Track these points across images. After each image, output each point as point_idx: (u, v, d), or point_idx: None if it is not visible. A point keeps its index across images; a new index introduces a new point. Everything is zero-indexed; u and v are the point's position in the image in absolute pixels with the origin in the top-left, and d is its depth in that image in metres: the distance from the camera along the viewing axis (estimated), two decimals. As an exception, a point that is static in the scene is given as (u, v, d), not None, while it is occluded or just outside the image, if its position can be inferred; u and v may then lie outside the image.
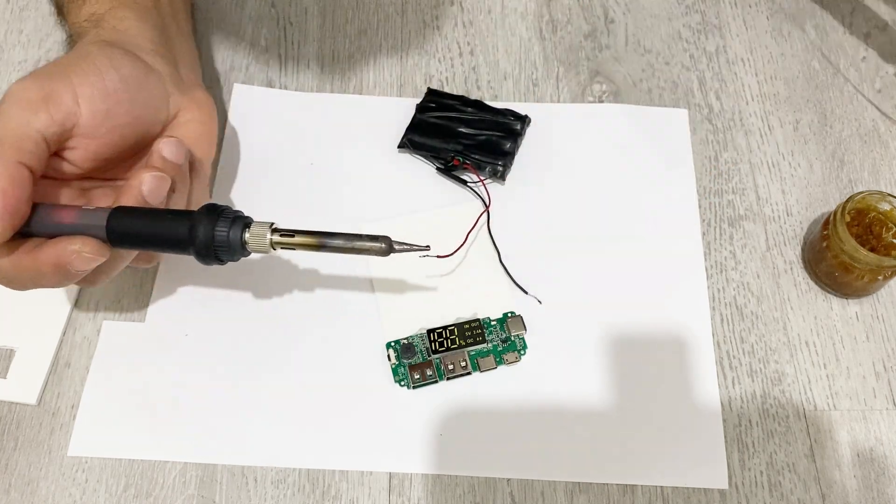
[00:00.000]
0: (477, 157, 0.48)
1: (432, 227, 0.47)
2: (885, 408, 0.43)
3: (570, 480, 0.41)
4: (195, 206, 0.40)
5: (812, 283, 0.47)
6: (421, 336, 0.44)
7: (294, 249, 0.36)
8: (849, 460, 0.42)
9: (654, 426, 0.42)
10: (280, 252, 0.39)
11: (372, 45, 0.54)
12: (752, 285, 0.47)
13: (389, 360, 0.43)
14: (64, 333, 0.44)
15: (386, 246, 0.35)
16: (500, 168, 0.48)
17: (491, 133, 0.49)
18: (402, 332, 0.44)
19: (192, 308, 0.45)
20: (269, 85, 0.53)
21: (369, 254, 0.36)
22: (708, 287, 0.46)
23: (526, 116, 0.50)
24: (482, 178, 0.48)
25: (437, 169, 0.49)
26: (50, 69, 0.37)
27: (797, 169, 0.50)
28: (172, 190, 0.37)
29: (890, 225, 0.45)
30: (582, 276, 0.46)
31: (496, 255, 0.46)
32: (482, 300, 0.45)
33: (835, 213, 0.44)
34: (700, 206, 0.49)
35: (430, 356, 0.43)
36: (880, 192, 0.44)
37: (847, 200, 0.44)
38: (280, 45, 0.54)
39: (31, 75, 0.36)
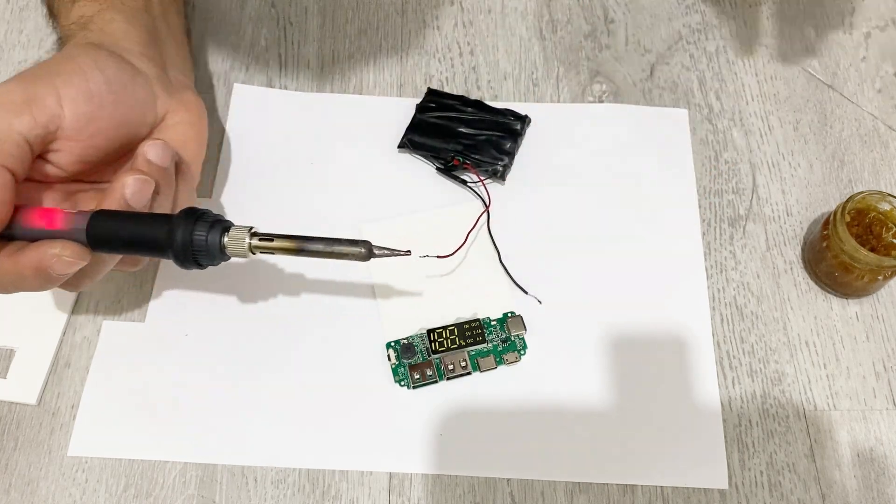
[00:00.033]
0: (477, 157, 0.48)
1: (432, 227, 0.47)
2: (885, 408, 0.43)
3: (570, 480, 0.41)
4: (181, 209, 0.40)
5: (812, 283, 0.47)
6: (421, 336, 0.44)
7: (273, 254, 0.36)
8: (849, 460, 0.42)
9: (654, 426, 0.42)
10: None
11: (372, 45, 0.54)
12: (752, 285, 0.47)
13: (389, 360, 0.43)
14: (64, 333, 0.44)
15: (365, 251, 0.35)
16: (500, 168, 0.48)
17: (491, 133, 0.49)
18: (402, 332, 0.44)
19: (192, 308, 0.45)
20: (269, 85, 0.53)
21: (349, 258, 0.35)
22: (708, 287, 0.46)
23: (526, 116, 0.50)
24: (482, 178, 0.48)
25: (437, 169, 0.49)
26: (34, 72, 0.37)
27: (797, 169, 0.51)
28: (157, 193, 0.37)
29: (890, 225, 0.45)
30: (582, 276, 0.46)
31: (496, 255, 0.46)
32: (482, 300, 0.45)
33: (835, 213, 0.44)
34: (700, 206, 0.49)
35: (430, 356, 0.43)
36: (880, 192, 0.44)
37: (847, 200, 0.44)
38: (280, 45, 0.54)
39: (15, 78, 0.36)
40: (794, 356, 0.45)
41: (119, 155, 0.40)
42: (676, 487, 0.41)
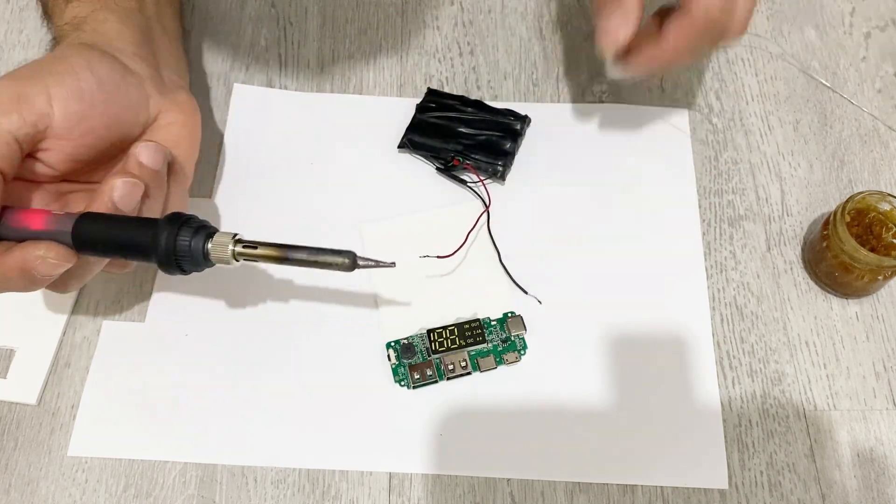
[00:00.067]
0: (477, 157, 0.48)
1: (432, 227, 0.47)
2: (885, 408, 0.43)
3: (570, 480, 0.41)
4: (173, 210, 0.40)
5: (812, 283, 0.47)
6: (421, 336, 0.44)
7: (257, 262, 0.36)
8: (849, 460, 0.42)
9: (654, 426, 0.42)
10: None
11: (372, 45, 0.54)
12: (752, 285, 0.47)
13: (389, 360, 0.43)
14: (64, 333, 0.44)
15: (349, 261, 0.35)
16: (500, 168, 0.48)
17: (491, 133, 0.49)
18: (402, 332, 0.44)
19: (192, 308, 0.45)
20: (269, 85, 0.53)
21: (333, 268, 0.35)
22: (708, 287, 0.46)
23: (526, 116, 0.50)
24: (482, 178, 0.48)
25: (437, 169, 0.49)
26: (24, 71, 0.37)
27: (797, 169, 0.51)
28: (147, 196, 0.37)
29: (890, 225, 0.45)
30: (582, 276, 0.46)
31: (496, 255, 0.46)
32: (482, 300, 0.45)
33: (835, 213, 0.44)
34: (700, 206, 0.49)
35: (430, 356, 0.43)
36: (880, 192, 0.44)
37: (847, 200, 0.44)
38: (280, 45, 0.54)
39: (5, 77, 0.36)
40: (794, 356, 0.45)
41: (111, 155, 0.40)
42: (676, 487, 0.41)
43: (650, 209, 0.48)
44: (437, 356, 0.43)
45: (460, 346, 0.43)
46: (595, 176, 0.49)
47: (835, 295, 0.46)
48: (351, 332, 0.44)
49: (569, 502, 0.41)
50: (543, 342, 0.44)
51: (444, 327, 0.44)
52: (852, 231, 0.44)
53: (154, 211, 0.38)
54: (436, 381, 0.43)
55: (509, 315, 0.44)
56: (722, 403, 0.43)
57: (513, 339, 0.44)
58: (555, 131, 0.51)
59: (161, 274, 0.45)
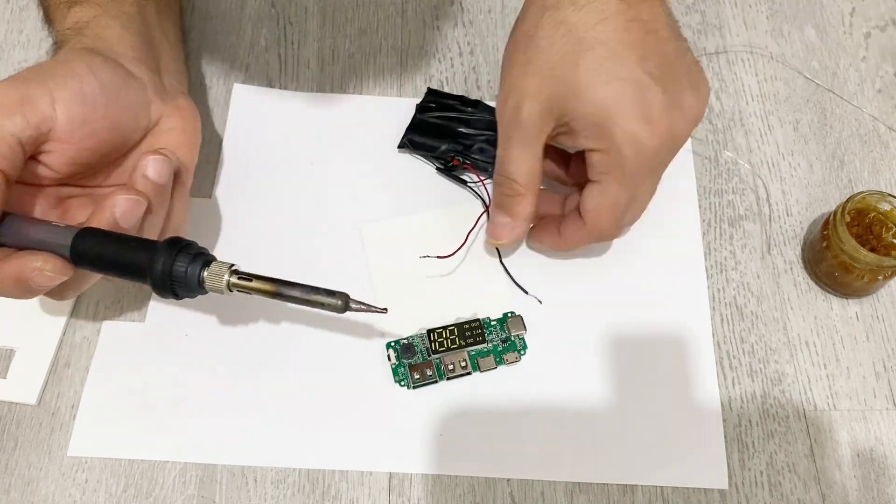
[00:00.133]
0: (477, 157, 0.48)
1: (432, 227, 0.47)
2: (885, 408, 0.43)
3: (570, 480, 0.41)
4: (176, 218, 0.40)
5: (812, 283, 0.47)
6: (421, 336, 0.44)
7: (250, 294, 0.36)
8: (849, 460, 0.42)
9: (654, 426, 0.42)
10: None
11: (372, 45, 0.54)
12: (752, 285, 0.47)
13: (389, 360, 0.43)
14: (64, 333, 0.44)
15: (342, 303, 0.36)
16: (500, 168, 0.48)
17: (491, 133, 0.49)
18: (402, 332, 0.44)
19: (192, 308, 0.45)
20: (269, 85, 0.52)
21: (325, 308, 0.36)
22: (708, 287, 0.46)
23: (526, 116, 0.50)
24: (482, 178, 0.48)
25: (437, 169, 0.49)
26: (27, 74, 0.37)
27: (797, 169, 0.51)
28: (149, 211, 0.37)
29: (890, 225, 0.45)
30: (582, 276, 0.46)
31: (496, 255, 0.46)
32: (482, 300, 0.45)
33: (835, 213, 0.44)
34: (700, 206, 0.49)
35: (430, 356, 0.43)
36: (880, 192, 0.44)
37: (847, 200, 0.44)
38: (280, 45, 0.54)
39: (8, 79, 0.36)
40: (794, 356, 0.45)
41: (112, 159, 0.40)
42: (676, 487, 0.41)
43: (650, 209, 0.48)
44: (437, 356, 0.43)
45: (460, 346, 0.43)
46: (595, 176, 0.49)
47: (835, 295, 0.46)
48: (351, 332, 0.44)
49: (569, 502, 0.41)
50: (543, 342, 0.44)
51: (444, 327, 0.44)
52: (852, 231, 0.44)
53: (156, 224, 0.39)
54: (436, 381, 0.43)
55: (509, 315, 0.44)
56: (722, 403, 0.43)
57: (513, 339, 0.44)
58: (555, 131, 0.51)
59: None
